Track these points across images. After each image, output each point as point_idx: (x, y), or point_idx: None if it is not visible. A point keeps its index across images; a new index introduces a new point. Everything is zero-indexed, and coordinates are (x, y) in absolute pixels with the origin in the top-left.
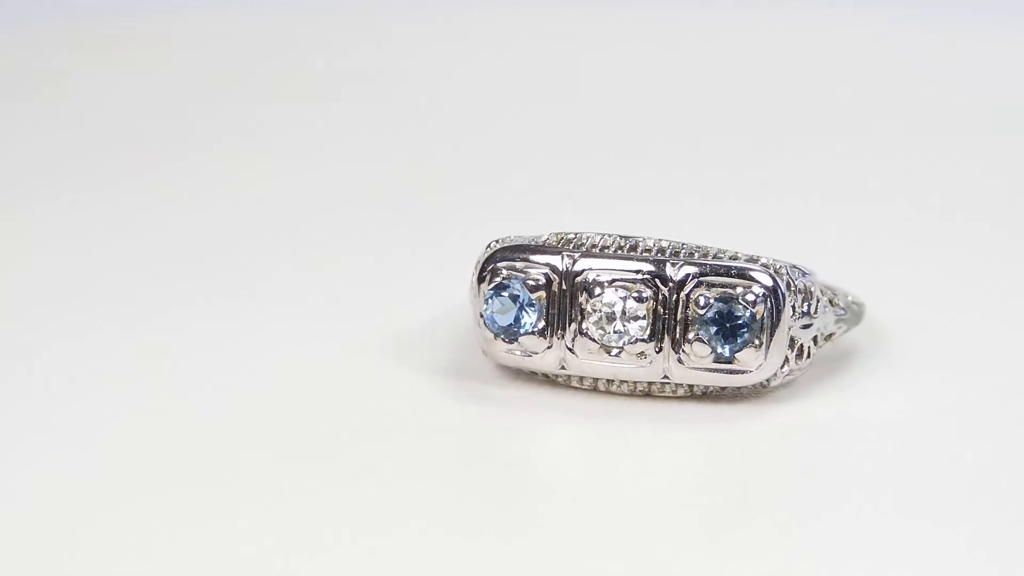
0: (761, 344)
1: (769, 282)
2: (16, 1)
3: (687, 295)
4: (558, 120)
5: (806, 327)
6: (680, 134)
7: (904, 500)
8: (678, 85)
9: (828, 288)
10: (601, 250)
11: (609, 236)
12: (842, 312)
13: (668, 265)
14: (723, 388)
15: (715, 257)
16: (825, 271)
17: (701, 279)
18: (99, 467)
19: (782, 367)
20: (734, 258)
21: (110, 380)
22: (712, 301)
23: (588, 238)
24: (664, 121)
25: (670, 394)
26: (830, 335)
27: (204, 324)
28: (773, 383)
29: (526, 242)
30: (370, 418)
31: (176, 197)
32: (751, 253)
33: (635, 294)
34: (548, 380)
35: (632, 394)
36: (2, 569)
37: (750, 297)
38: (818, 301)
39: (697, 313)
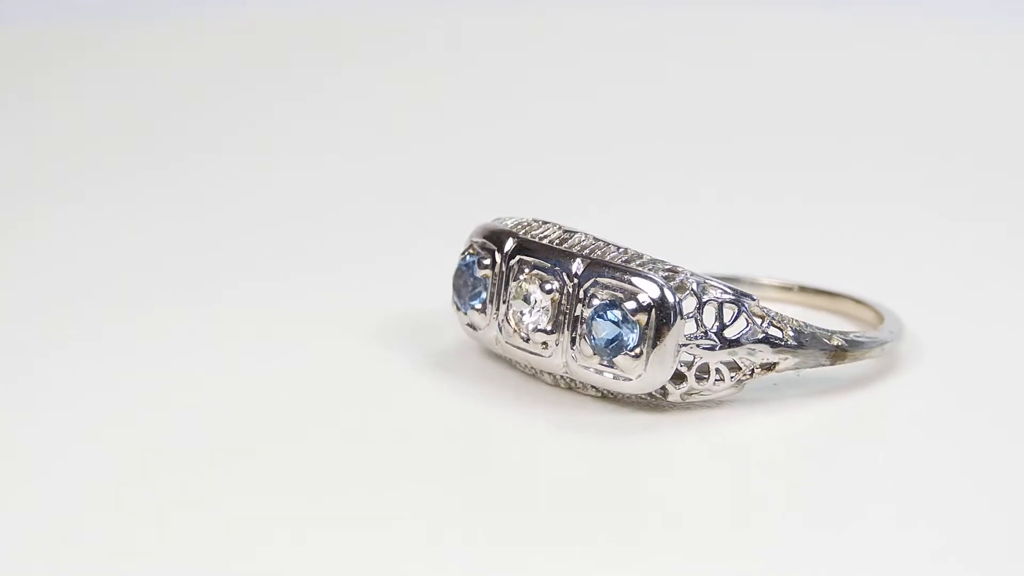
0: (641, 354)
1: (656, 294)
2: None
3: (586, 292)
4: (562, 119)
5: (712, 348)
6: (716, 140)
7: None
8: (700, 88)
9: (804, 321)
10: (539, 239)
11: (554, 227)
12: (788, 344)
13: (578, 261)
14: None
15: (627, 261)
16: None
17: (600, 280)
18: (102, 463)
19: (679, 384)
20: (644, 264)
21: (102, 382)
22: (602, 303)
23: (539, 226)
24: (693, 126)
25: (581, 390)
26: (771, 365)
27: (206, 324)
28: (671, 398)
29: (501, 223)
30: (352, 411)
31: (173, 198)
32: (685, 267)
33: (544, 285)
34: (508, 362)
35: (556, 385)
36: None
37: (633, 305)
38: (747, 326)
39: (587, 313)
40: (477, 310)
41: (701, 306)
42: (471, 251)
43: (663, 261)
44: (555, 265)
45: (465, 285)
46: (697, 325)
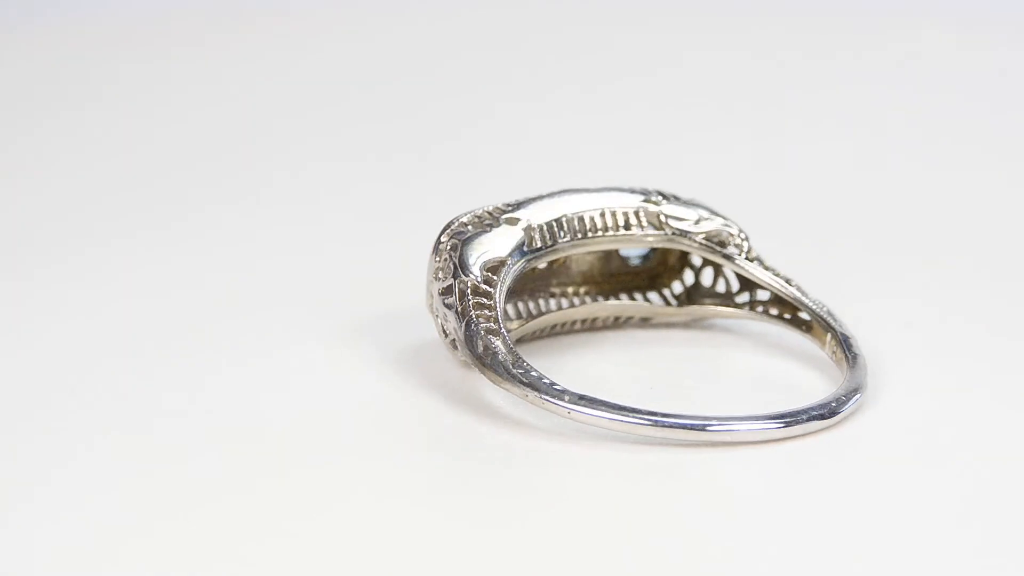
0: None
1: (439, 232)
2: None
3: None
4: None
5: (446, 305)
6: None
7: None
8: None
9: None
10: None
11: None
12: (462, 340)
13: None
14: None
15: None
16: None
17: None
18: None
19: (443, 332)
20: (485, 210)
21: (83, 401)
22: None
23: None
24: None
25: None
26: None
27: (191, 327)
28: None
29: None
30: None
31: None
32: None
33: None
34: None
35: None
36: None
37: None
38: (456, 301)
39: None
40: None
41: (449, 258)
42: None
43: (495, 219)
44: None
45: None
46: (438, 273)
